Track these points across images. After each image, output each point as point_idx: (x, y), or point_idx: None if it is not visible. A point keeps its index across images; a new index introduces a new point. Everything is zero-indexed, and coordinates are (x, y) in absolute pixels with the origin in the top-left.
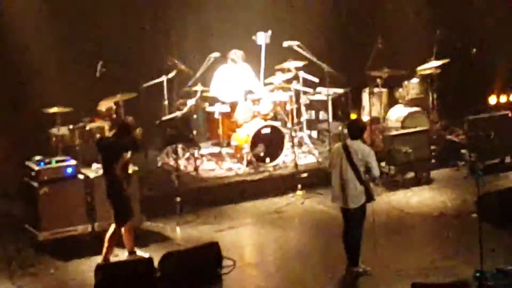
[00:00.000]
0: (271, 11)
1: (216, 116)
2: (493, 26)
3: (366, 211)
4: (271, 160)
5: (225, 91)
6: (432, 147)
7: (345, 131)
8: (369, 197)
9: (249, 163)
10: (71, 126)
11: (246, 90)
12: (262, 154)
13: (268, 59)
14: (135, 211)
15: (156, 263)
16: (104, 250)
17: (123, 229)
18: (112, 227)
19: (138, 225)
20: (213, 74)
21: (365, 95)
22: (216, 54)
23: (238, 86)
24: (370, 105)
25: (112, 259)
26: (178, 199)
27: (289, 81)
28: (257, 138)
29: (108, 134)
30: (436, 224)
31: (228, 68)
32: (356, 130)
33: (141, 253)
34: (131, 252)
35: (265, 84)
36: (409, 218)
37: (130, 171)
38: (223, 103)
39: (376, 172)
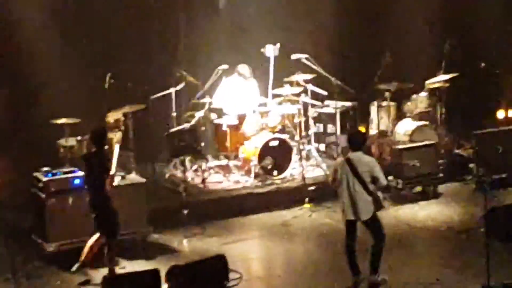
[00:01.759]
0: (280, 23)
1: (224, 128)
2: (502, 41)
3: (380, 220)
4: (279, 173)
5: (230, 104)
6: (440, 161)
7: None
8: (379, 206)
9: (256, 175)
10: (79, 137)
11: (253, 103)
12: (269, 167)
13: (277, 72)
14: (141, 223)
15: (163, 275)
16: (109, 263)
17: (93, 240)
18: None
19: (145, 237)
20: (219, 85)
21: (373, 108)
22: (224, 67)
23: (243, 100)
24: (378, 119)
25: (119, 271)
26: (185, 211)
27: (297, 94)
28: (265, 151)
29: (91, 148)
30: (443, 238)
31: (234, 81)
32: (357, 141)
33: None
34: (84, 264)
35: (274, 97)
36: (416, 232)
37: (115, 183)
38: (226, 114)
39: (383, 180)
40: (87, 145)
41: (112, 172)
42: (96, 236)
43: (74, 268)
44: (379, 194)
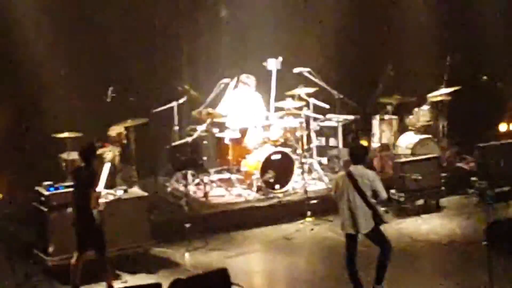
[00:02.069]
0: (282, 37)
1: (226, 142)
2: (504, 54)
3: (383, 232)
4: (281, 187)
5: (235, 116)
6: (442, 174)
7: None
8: (380, 220)
9: (258, 189)
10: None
11: (259, 114)
12: (272, 180)
13: (279, 85)
14: (144, 236)
15: None
16: (108, 276)
17: (74, 259)
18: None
19: (147, 251)
20: (224, 97)
21: (375, 122)
22: (226, 80)
23: (248, 111)
24: (381, 132)
25: (120, 285)
26: (188, 225)
27: (299, 107)
28: (267, 164)
29: (80, 163)
30: (446, 252)
31: (239, 92)
32: (359, 155)
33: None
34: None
35: (276, 110)
36: (418, 245)
37: (101, 200)
38: (228, 128)
39: (383, 194)
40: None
41: (98, 189)
42: (75, 256)
43: None
44: (381, 208)
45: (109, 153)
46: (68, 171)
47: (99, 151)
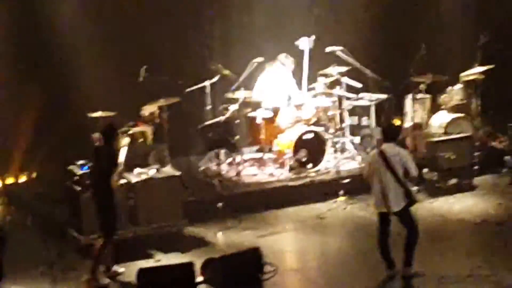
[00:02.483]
0: (314, 16)
1: (259, 121)
2: None
3: (411, 212)
4: (313, 166)
5: (269, 95)
6: (475, 154)
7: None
8: (411, 199)
9: (291, 168)
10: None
11: (289, 95)
12: (304, 160)
13: (311, 64)
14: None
15: (198, 268)
16: (92, 264)
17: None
18: (100, 241)
19: (180, 230)
20: (258, 77)
21: (408, 101)
22: (259, 59)
23: (282, 90)
24: (413, 111)
25: (153, 264)
26: (220, 204)
27: (332, 86)
28: (300, 144)
29: (100, 142)
30: (479, 231)
31: (274, 71)
32: (391, 133)
33: (116, 268)
34: (108, 268)
35: (308, 90)
36: (451, 225)
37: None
38: (261, 107)
39: (414, 171)
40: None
41: (120, 168)
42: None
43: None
44: (413, 187)
45: (126, 138)
46: (94, 149)
47: (131, 130)
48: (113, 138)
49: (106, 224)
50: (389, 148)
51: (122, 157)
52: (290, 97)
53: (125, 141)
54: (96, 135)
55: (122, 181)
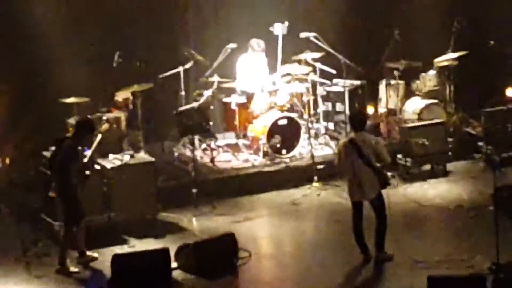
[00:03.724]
0: (288, 2)
1: (233, 107)
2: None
3: (384, 201)
4: (288, 152)
5: (246, 81)
6: (449, 139)
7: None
8: (384, 183)
9: (265, 154)
10: (88, 117)
11: (263, 81)
12: (278, 146)
13: (285, 50)
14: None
15: (172, 254)
16: (59, 253)
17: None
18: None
19: (154, 216)
20: (235, 65)
21: (382, 87)
22: (233, 45)
23: (255, 76)
24: (387, 97)
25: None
26: (195, 190)
27: (306, 72)
28: (274, 130)
29: (69, 133)
30: (453, 217)
31: (248, 57)
32: (359, 121)
33: (90, 253)
34: (81, 253)
35: (282, 76)
36: (425, 211)
37: (88, 173)
38: (241, 94)
39: (387, 157)
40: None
41: (84, 160)
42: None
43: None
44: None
45: (105, 124)
46: (55, 140)
47: (105, 116)
48: (86, 133)
49: (66, 213)
50: (360, 136)
51: (95, 144)
52: (265, 83)
53: (103, 127)
54: (71, 120)
55: (96, 167)
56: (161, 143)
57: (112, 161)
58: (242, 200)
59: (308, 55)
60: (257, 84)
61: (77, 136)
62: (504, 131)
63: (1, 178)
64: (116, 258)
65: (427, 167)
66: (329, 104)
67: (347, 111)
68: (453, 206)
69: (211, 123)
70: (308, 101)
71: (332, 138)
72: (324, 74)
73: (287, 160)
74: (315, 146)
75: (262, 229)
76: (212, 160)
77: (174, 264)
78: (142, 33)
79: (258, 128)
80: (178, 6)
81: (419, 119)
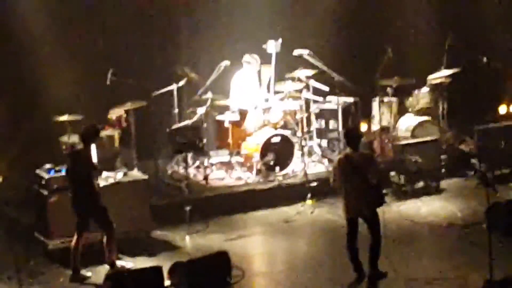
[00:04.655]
0: (281, 19)
1: (226, 124)
2: (504, 36)
3: (379, 219)
4: (281, 169)
5: (239, 98)
6: (442, 157)
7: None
8: (380, 200)
9: (258, 172)
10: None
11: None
12: (272, 163)
13: (279, 68)
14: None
15: (165, 272)
16: (109, 254)
17: (74, 241)
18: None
19: (147, 234)
20: (229, 82)
21: (375, 104)
22: (226, 63)
23: (251, 93)
24: (380, 114)
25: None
26: (188, 208)
27: (299, 89)
28: (267, 147)
29: (78, 145)
30: (446, 234)
31: (242, 74)
32: (354, 138)
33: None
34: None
35: (275, 93)
36: (418, 228)
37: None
38: (233, 112)
39: (373, 179)
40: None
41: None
42: (75, 237)
43: (69, 277)
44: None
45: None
46: (65, 152)
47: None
48: (94, 140)
49: (101, 220)
50: (355, 152)
51: (93, 155)
52: (260, 100)
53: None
54: (64, 138)
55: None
56: (154, 161)
57: (105, 178)
58: (236, 218)
59: (302, 73)
60: (251, 102)
61: (88, 145)
62: (497, 149)
63: None
64: (109, 276)
65: (421, 184)
66: (323, 122)
67: (341, 129)
68: (447, 224)
69: (204, 140)
70: (302, 118)
71: (324, 156)
72: (317, 92)
73: (281, 177)
74: (308, 163)
75: (255, 247)
76: (205, 178)
77: (167, 282)
78: (136, 51)
79: (252, 146)
80: (172, 24)
81: (413, 136)
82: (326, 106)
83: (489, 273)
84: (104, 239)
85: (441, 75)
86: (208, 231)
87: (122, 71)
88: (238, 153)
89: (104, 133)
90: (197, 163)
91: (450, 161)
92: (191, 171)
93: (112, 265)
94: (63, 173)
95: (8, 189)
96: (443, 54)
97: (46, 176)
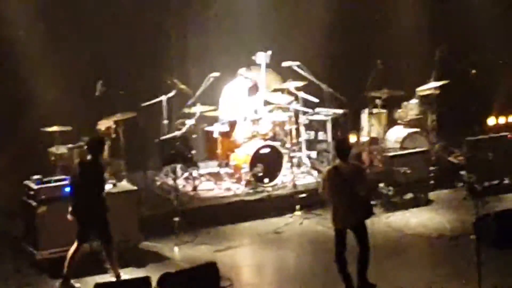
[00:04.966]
0: (271, 31)
1: (215, 135)
2: (493, 48)
3: (367, 231)
4: (270, 180)
5: (228, 109)
6: (431, 168)
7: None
8: (368, 212)
9: (247, 183)
10: (70, 145)
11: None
12: (260, 174)
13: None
14: (133, 230)
15: (154, 283)
16: (112, 267)
17: (73, 249)
18: (106, 248)
19: (136, 244)
20: (218, 93)
21: (364, 116)
22: (215, 74)
23: (240, 104)
24: (369, 126)
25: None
26: (177, 219)
27: (288, 101)
28: (256, 158)
29: (87, 156)
30: (435, 245)
31: (235, 85)
32: (344, 149)
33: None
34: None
35: (265, 104)
36: (407, 239)
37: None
38: (222, 123)
39: (361, 191)
40: (80, 153)
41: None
42: (75, 246)
43: (58, 285)
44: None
45: None
46: (74, 164)
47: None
48: (100, 151)
49: (105, 234)
50: (344, 164)
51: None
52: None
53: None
54: (53, 149)
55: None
56: (143, 172)
57: None
58: (224, 229)
59: (291, 84)
60: (240, 113)
61: (96, 156)
62: (485, 160)
63: None
64: (98, 287)
65: (409, 195)
66: (312, 133)
67: (330, 140)
68: (435, 235)
69: (193, 151)
70: (291, 130)
71: (313, 167)
72: (306, 103)
73: (270, 188)
74: (297, 175)
75: (244, 258)
76: (194, 188)
77: None
78: (125, 62)
79: (241, 157)
80: (161, 35)
81: (402, 147)
82: (315, 117)
83: (478, 284)
84: (104, 253)
85: (430, 87)
86: (197, 242)
87: (111, 82)
88: (227, 164)
89: None
90: (186, 174)
91: (439, 173)
92: (180, 182)
93: (118, 277)
94: (51, 184)
95: None
96: (432, 66)
97: (34, 186)
